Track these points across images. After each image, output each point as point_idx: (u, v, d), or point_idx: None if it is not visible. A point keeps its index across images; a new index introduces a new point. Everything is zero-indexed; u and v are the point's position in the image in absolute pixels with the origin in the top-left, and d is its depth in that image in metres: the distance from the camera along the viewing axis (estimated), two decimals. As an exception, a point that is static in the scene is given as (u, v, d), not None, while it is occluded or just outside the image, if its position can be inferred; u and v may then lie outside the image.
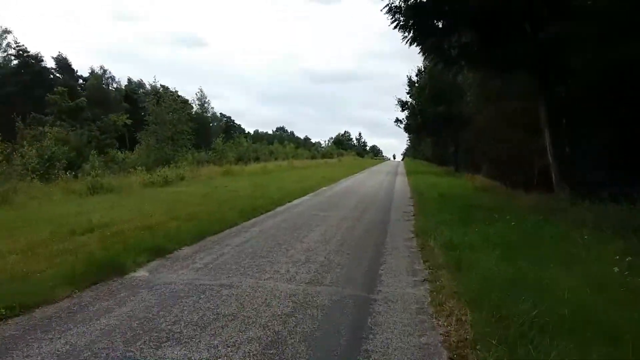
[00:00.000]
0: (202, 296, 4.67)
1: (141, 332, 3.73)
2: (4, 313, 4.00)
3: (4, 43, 57.35)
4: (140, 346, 3.46)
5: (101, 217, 8.85)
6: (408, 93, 36.04)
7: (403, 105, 36.27)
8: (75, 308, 4.28)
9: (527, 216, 9.66)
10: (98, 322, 3.93)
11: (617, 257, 5.78)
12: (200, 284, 5.09)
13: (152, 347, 3.44)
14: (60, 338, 3.60)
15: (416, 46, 13.25)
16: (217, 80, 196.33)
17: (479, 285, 4.70)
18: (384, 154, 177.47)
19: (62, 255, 5.87)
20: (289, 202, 13.24)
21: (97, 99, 64.18)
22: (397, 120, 37.70)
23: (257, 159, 40.19)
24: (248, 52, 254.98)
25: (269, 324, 3.96)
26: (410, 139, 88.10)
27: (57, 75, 68.24)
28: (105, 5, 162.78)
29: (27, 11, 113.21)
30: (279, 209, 11.69)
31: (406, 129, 38.55)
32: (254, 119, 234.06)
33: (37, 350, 3.37)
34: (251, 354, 3.38)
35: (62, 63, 72.09)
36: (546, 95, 11.39)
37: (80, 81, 75.91)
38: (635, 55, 8.96)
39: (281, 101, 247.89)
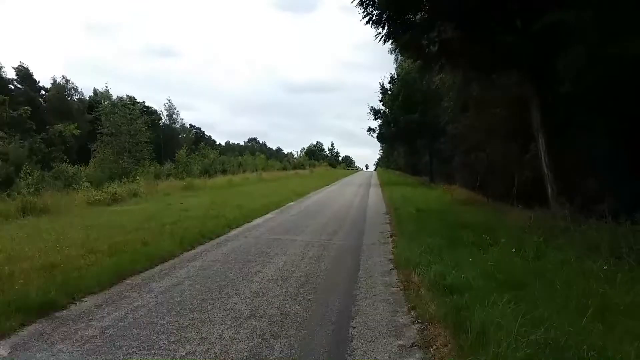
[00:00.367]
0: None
1: None
2: None
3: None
4: None
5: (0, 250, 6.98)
6: (381, 101, 34.83)
7: (376, 113, 35.02)
8: None
9: (524, 238, 8.20)
10: None
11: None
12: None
13: None
14: None
15: (391, 44, 11.84)
16: (190, 91, 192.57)
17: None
18: (356, 164, 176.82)
19: None
20: (248, 222, 11.52)
21: (58, 110, 61.14)
22: (370, 129, 36.44)
23: (224, 172, 38.21)
24: (222, 62, 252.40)
25: None
26: (383, 149, 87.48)
27: (18, 86, 64.96)
28: (75, 16, 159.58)
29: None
30: (233, 232, 9.94)
31: (379, 138, 37.28)
32: (227, 130, 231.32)
33: None
34: None
35: (23, 73, 68.75)
36: (541, 97, 10.02)
37: (43, 92, 73.02)
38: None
39: (255, 112, 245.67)
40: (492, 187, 22.18)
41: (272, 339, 3.99)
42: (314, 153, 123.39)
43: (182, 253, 7.59)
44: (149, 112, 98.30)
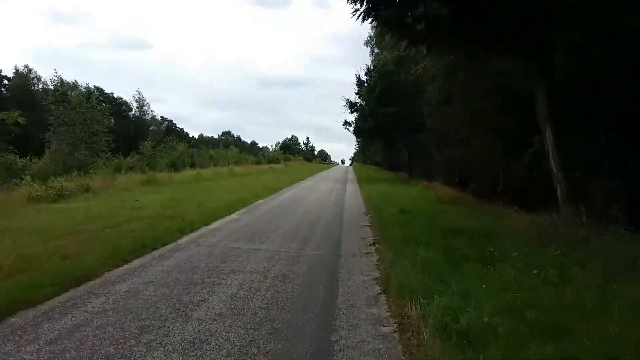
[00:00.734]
0: None
1: None
2: None
3: None
4: None
5: None
6: (357, 94, 33.31)
7: (352, 106, 33.52)
8: None
9: (535, 251, 6.81)
10: None
11: None
12: None
13: None
14: None
15: (371, 22, 10.26)
16: (163, 84, 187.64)
17: None
18: (332, 158, 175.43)
19: None
20: (207, 225, 9.84)
21: (22, 100, 57.83)
22: (346, 123, 34.98)
23: (193, 165, 36.12)
24: (194, 55, 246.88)
25: None
26: (359, 143, 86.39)
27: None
28: (42, 7, 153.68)
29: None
30: (185, 239, 8.24)
31: (355, 131, 35.77)
32: (201, 123, 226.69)
33: None
34: None
35: (-17, 64, 65.41)
36: (547, 79, 8.60)
37: (6, 82, 69.69)
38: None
39: (228, 106, 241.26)
40: (477, 184, 21.06)
41: None
42: (289, 147, 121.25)
43: (110, 270, 5.88)
44: (118, 104, 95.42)
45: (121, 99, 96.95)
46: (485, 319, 3.82)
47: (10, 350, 3.52)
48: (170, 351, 3.55)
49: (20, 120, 19.59)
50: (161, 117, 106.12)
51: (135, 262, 6.35)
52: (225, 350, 3.60)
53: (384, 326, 4.24)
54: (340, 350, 3.68)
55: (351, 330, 4.12)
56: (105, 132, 24.50)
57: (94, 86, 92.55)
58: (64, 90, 24.35)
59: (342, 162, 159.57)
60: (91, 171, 22.50)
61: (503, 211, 11.96)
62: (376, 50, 41.38)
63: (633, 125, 8.89)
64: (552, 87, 8.55)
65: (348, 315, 4.53)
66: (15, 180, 17.17)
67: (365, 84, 32.28)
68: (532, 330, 3.70)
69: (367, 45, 44.11)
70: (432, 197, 17.22)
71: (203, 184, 22.18)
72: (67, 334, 3.86)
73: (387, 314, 4.59)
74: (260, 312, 4.50)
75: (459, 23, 9.45)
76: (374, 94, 30.25)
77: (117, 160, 26.83)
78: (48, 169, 22.11)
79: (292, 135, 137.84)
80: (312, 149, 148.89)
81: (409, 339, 3.90)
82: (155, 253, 6.96)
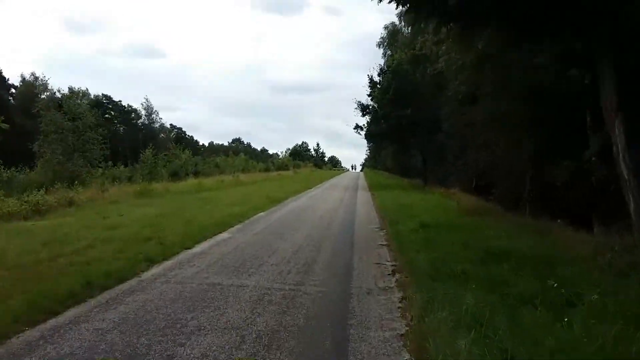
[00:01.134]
0: None
1: None
2: None
3: None
4: None
5: None
6: (369, 95, 31.42)
7: (364, 109, 31.62)
8: None
9: (617, 286, 4.98)
10: None
11: None
12: None
13: None
14: None
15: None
16: (175, 92, 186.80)
17: None
18: (343, 164, 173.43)
19: None
20: (189, 249, 8.10)
21: (26, 108, 57.06)
22: (357, 127, 33.02)
23: (196, 174, 34.58)
24: (207, 63, 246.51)
25: None
26: (370, 149, 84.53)
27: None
28: (56, 16, 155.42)
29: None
30: (151, 272, 6.44)
31: (367, 135, 33.83)
32: (213, 131, 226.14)
33: None
34: None
35: (-8, 72, 65.29)
36: (618, 59, 6.70)
37: (13, 90, 69.38)
38: None
39: (240, 113, 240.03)
40: (501, 191, 19.08)
41: None
42: (299, 153, 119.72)
43: (34, 329, 4.16)
44: (126, 111, 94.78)
45: (131, 106, 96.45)
46: None
47: None
48: None
49: (4, 125, 18.12)
50: (170, 124, 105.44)
51: (63, 317, 4.56)
52: None
53: None
54: None
55: None
56: (99, 139, 22.94)
57: (102, 94, 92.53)
58: (54, 96, 22.80)
59: (353, 167, 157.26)
60: (86, 182, 21.15)
61: (545, 226, 10.06)
62: (389, 52, 39.67)
63: None
64: (622, 71, 6.68)
65: None
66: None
67: (378, 85, 30.44)
68: None
69: (379, 47, 42.43)
70: (453, 207, 15.32)
71: (203, 195, 20.51)
72: None
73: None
74: None
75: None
76: (387, 95, 28.41)
77: (112, 170, 25.30)
78: (39, 180, 20.67)
79: (303, 142, 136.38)
80: (323, 155, 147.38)
81: None
82: (102, 297, 5.19)
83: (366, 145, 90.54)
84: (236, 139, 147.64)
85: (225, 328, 4.27)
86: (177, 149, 36.34)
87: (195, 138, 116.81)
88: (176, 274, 6.33)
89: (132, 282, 5.85)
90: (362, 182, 42.75)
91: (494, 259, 6.70)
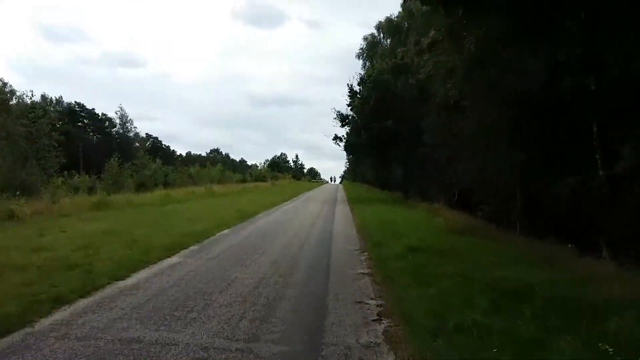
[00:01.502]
0: None
1: None
2: None
3: None
4: None
5: None
6: (349, 105, 30.09)
7: (343, 119, 30.23)
8: None
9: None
10: None
11: None
12: None
13: None
14: None
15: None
16: (155, 102, 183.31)
17: None
18: (322, 176, 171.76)
19: None
20: (120, 280, 6.38)
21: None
22: (337, 138, 31.52)
23: (166, 185, 32.57)
24: (187, 73, 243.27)
25: None
26: (349, 161, 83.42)
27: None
28: (33, 22, 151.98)
29: None
30: (59, 315, 4.74)
31: (347, 147, 32.35)
32: (193, 141, 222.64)
33: None
34: None
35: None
36: None
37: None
38: None
39: (220, 124, 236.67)
40: (488, 207, 17.80)
41: None
42: (278, 165, 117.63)
43: None
44: (100, 120, 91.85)
45: (105, 115, 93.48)
46: None
47: None
48: None
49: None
50: (146, 134, 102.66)
51: None
52: None
53: None
54: None
55: None
56: (54, 146, 20.88)
57: (75, 102, 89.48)
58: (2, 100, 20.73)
59: (332, 180, 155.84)
60: (40, 192, 19.18)
61: (551, 252, 8.67)
62: (368, 63, 38.61)
63: None
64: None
65: None
66: None
67: (358, 95, 29.13)
68: None
69: (359, 58, 41.43)
70: (440, 225, 13.90)
71: (167, 208, 18.69)
72: None
73: None
74: None
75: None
76: (368, 105, 27.09)
77: (71, 180, 23.25)
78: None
79: (282, 153, 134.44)
80: (302, 166, 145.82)
81: None
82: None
83: (345, 157, 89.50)
84: (214, 149, 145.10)
85: None
86: (145, 158, 34.14)
87: (172, 148, 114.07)
88: (85, 322, 4.64)
89: (15, 337, 4.15)
90: (341, 194, 41.30)
91: (508, 300, 5.24)
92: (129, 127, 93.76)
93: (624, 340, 3.73)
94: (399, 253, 8.67)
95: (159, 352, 3.90)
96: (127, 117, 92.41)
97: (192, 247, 9.38)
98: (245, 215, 16.00)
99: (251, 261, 8.11)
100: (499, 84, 12.27)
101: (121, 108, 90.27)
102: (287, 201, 26.94)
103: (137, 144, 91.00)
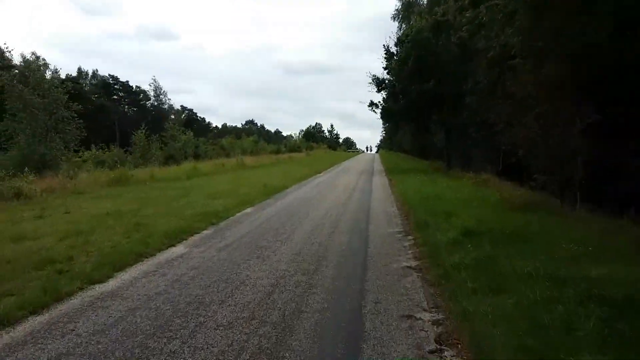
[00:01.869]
0: None
1: None
2: None
3: None
4: None
5: None
6: (386, 68, 27.80)
7: (379, 84, 28.00)
8: None
9: None
10: None
11: None
12: None
13: None
14: None
15: None
16: (189, 75, 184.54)
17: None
18: (357, 146, 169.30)
19: None
20: (98, 283, 5.00)
21: (29, 89, 54.43)
22: (372, 104, 29.39)
23: (197, 157, 31.54)
24: (221, 45, 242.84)
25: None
26: (386, 129, 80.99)
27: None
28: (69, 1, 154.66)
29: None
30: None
31: (383, 114, 30.12)
32: (228, 113, 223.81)
33: None
34: None
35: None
36: None
37: (16, 71, 66.83)
38: None
39: (255, 95, 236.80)
40: (547, 177, 15.64)
41: None
42: (313, 135, 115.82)
43: None
44: (134, 92, 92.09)
45: (138, 87, 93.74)
46: None
47: None
48: None
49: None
50: (181, 106, 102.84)
51: None
52: None
53: None
54: None
55: None
56: (74, 117, 19.81)
57: (109, 74, 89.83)
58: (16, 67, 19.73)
59: (368, 149, 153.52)
60: (61, 167, 18.40)
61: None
62: (404, 25, 36.04)
63: None
64: None
65: None
66: None
67: (395, 57, 26.84)
68: None
69: (394, 20, 38.96)
70: (495, 200, 12.02)
71: (191, 182, 17.50)
72: None
73: None
74: None
75: None
76: (406, 67, 24.81)
77: (96, 153, 22.35)
78: (7, 165, 17.87)
79: (317, 123, 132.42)
80: (337, 136, 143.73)
81: None
82: None
83: (381, 125, 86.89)
84: (249, 120, 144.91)
85: None
86: (175, 129, 32.99)
87: (208, 120, 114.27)
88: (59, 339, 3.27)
89: None
90: (378, 165, 39.39)
91: (624, 321, 3.53)
92: (164, 100, 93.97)
93: None
94: (452, 239, 6.97)
95: None
96: (161, 89, 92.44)
97: (204, 232, 7.99)
98: (272, 191, 14.54)
99: (270, 252, 6.60)
100: (564, 34, 10.16)
101: (155, 80, 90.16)
102: (320, 173, 25.37)
103: (172, 116, 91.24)
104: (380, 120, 36.83)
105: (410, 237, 7.82)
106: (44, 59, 58.82)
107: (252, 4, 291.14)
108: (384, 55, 27.80)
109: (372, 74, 28.26)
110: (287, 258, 6.23)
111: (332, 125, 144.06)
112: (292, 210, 10.92)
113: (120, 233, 7.35)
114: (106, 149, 28.73)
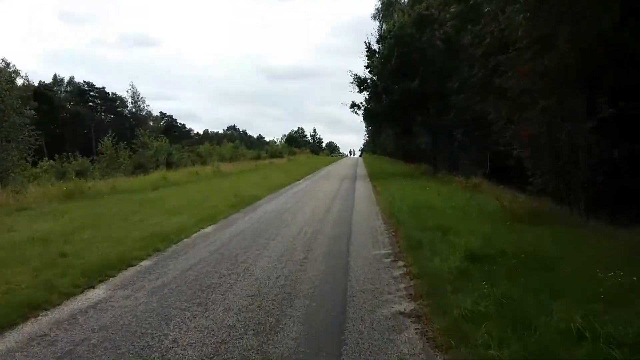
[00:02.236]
0: None
1: None
2: None
3: None
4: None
5: None
6: (367, 67, 26.40)
7: (361, 83, 26.57)
8: None
9: None
10: None
11: None
12: None
13: None
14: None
15: None
16: (170, 81, 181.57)
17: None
18: (341, 150, 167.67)
19: None
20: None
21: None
22: (354, 105, 27.88)
23: (169, 165, 29.64)
24: (201, 51, 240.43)
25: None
26: (369, 132, 79.73)
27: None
28: (50, 7, 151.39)
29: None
30: None
31: (366, 115, 28.62)
32: (210, 119, 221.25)
33: None
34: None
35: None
36: None
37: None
38: None
39: (237, 101, 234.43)
40: (544, 180, 14.29)
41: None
42: (295, 140, 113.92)
43: None
44: (111, 99, 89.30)
45: (115, 94, 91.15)
46: None
47: None
48: None
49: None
50: (160, 112, 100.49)
51: None
52: None
53: None
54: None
55: None
56: (26, 125, 17.86)
57: (84, 81, 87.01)
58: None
59: (352, 153, 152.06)
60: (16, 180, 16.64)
61: None
62: (385, 25, 34.95)
63: None
64: None
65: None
66: None
67: (377, 54, 25.44)
68: None
69: (375, 19, 38.02)
70: (493, 209, 10.57)
71: (154, 194, 15.74)
72: None
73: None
74: None
75: None
76: (389, 65, 23.41)
77: (48, 163, 20.42)
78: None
79: (299, 128, 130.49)
80: (320, 140, 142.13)
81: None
82: None
83: (365, 129, 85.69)
84: (231, 126, 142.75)
85: None
86: (146, 136, 30.87)
87: (190, 127, 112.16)
88: None
89: None
90: (362, 169, 37.97)
91: None
92: (142, 106, 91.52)
93: None
94: (456, 267, 5.45)
95: None
96: (139, 95, 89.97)
97: (142, 263, 6.32)
98: (242, 202, 12.90)
99: (218, 294, 4.97)
100: (569, 18, 8.84)
101: (132, 86, 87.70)
102: (299, 180, 23.76)
103: (150, 123, 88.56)
104: (363, 122, 35.50)
105: (400, 263, 6.28)
106: (14, 65, 56.14)
107: (234, 10, 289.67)
108: (366, 53, 26.41)
109: (354, 73, 26.84)
110: (238, 304, 4.61)
111: (314, 130, 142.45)
112: (261, 227, 9.28)
113: (32, 269, 5.64)
114: (72, 159, 26.80)
